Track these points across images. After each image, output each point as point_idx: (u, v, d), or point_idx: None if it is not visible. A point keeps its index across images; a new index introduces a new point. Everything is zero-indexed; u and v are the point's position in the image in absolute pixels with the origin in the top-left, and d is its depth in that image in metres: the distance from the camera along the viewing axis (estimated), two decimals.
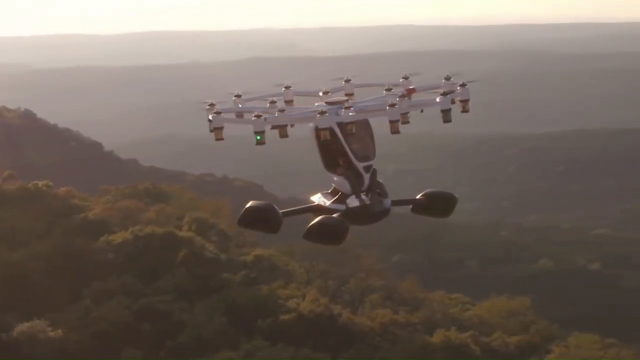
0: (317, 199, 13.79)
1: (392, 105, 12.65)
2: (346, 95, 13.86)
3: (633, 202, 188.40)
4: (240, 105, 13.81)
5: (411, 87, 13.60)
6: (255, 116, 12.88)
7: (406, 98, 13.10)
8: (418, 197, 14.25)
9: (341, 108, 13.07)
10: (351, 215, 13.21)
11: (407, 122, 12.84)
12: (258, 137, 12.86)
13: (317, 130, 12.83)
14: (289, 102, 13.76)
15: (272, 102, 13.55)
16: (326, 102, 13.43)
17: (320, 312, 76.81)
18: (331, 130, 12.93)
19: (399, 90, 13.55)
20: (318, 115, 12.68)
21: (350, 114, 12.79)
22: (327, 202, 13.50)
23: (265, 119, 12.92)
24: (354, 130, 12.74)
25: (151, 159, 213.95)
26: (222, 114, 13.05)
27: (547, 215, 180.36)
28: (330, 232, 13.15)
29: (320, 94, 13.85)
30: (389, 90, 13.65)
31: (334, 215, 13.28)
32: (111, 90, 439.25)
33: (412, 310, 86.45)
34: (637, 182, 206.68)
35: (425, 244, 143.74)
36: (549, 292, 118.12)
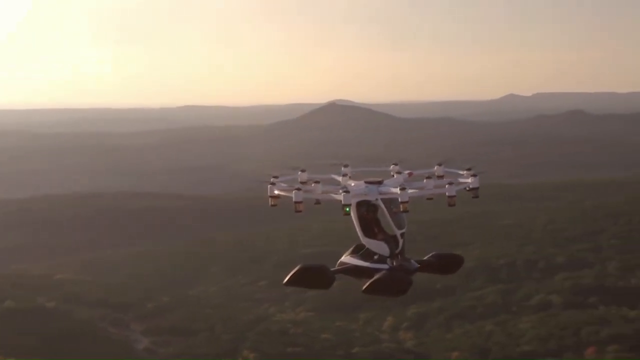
0: (351, 260, 13.34)
1: (450, 184, 12.67)
2: (343, 176, 13.61)
3: (95, 252, 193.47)
4: (301, 181, 13.44)
5: (408, 171, 13.61)
6: (344, 191, 12.54)
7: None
8: (426, 258, 13.70)
9: (379, 186, 12.95)
10: (393, 272, 12.91)
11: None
12: (347, 209, 12.57)
13: (401, 202, 12.42)
14: (304, 182, 13.43)
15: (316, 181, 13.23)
16: (365, 182, 13.11)
17: None
18: (375, 205, 12.84)
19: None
20: (400, 191, 12.33)
21: (411, 191, 12.53)
22: (367, 263, 13.07)
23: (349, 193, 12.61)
24: (407, 208, 12.45)
25: None
26: (301, 190, 12.64)
27: (25, 264, 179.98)
28: (399, 285, 12.89)
29: (339, 178, 13.60)
30: (398, 172, 13.52)
31: (383, 272, 12.92)
32: None
33: None
34: (102, 237, 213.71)
35: None
36: (11, 327, 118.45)
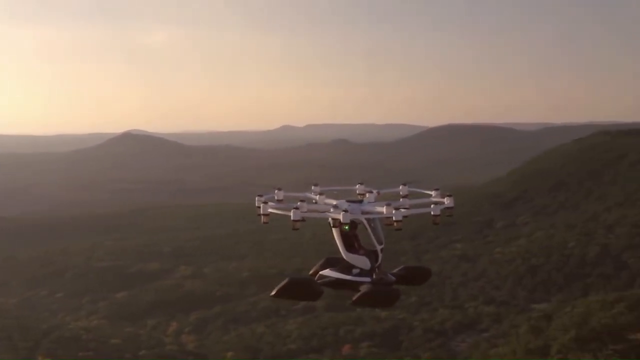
0: (332, 274, 12.73)
1: (436, 204, 12.38)
2: (320, 195, 12.99)
3: None
4: (277, 199, 12.78)
5: (377, 190, 13.07)
6: (343, 210, 12.07)
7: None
8: (396, 270, 13.15)
9: (361, 205, 12.50)
10: (377, 284, 12.45)
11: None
12: (346, 227, 12.21)
13: (391, 221, 11.88)
14: (280, 201, 12.83)
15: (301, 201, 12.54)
16: (347, 201, 12.59)
17: None
18: (355, 222, 12.33)
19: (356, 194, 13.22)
20: (395, 211, 11.83)
21: (403, 210, 11.97)
22: (349, 276, 12.54)
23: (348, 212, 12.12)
24: (401, 226, 11.89)
25: None
26: (299, 210, 12.07)
27: None
28: (388, 298, 12.42)
29: (315, 197, 12.97)
30: (369, 192, 13.07)
31: (366, 285, 12.44)
32: None
33: None
34: None
35: None
36: None
